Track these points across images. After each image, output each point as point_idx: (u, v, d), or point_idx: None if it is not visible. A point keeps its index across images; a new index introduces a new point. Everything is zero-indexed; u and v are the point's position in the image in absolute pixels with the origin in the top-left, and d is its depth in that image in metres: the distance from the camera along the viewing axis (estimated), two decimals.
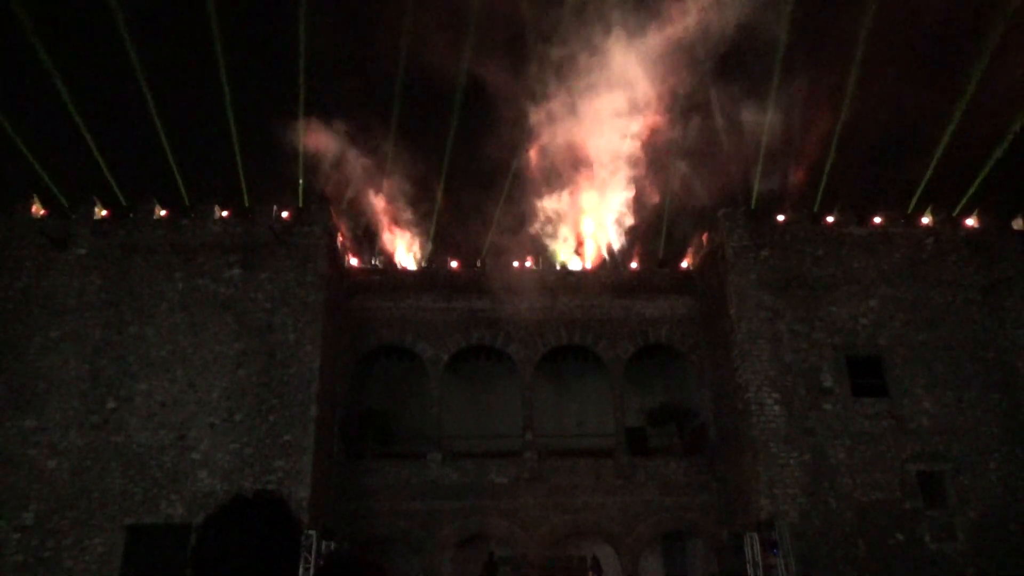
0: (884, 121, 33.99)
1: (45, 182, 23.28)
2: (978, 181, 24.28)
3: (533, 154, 29.67)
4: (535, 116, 29.46)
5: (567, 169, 29.60)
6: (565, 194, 29.38)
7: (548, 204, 28.84)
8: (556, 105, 29.47)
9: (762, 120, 28.28)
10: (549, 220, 28.33)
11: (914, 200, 23.81)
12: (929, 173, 25.50)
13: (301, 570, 14.66)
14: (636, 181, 29.24)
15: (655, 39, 27.96)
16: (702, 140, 30.90)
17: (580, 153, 29.76)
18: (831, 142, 28.26)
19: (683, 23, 27.71)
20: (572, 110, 29.47)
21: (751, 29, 28.42)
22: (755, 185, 27.85)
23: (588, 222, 28.53)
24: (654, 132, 29.51)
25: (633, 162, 29.08)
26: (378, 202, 29.11)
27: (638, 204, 29.27)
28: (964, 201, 23.27)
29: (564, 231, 28.17)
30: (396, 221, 28.41)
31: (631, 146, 29.19)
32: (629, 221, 28.01)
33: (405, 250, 26.92)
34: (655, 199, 30.04)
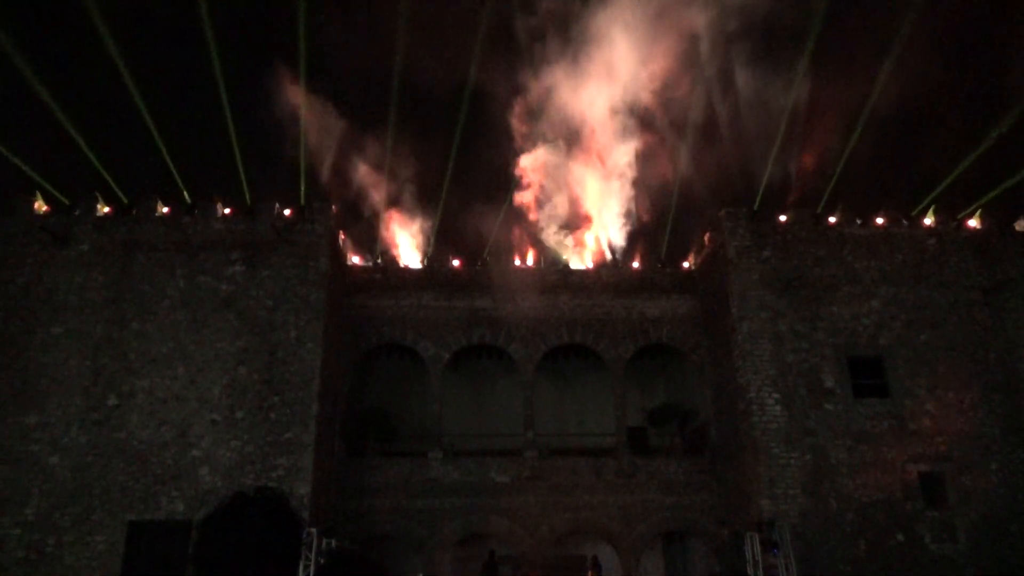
0: (892, 120, 33.99)
1: (47, 179, 23.31)
2: (1006, 185, 24.18)
3: (535, 146, 29.76)
4: (540, 107, 29.56)
5: (570, 164, 29.66)
6: (568, 191, 29.41)
7: (550, 198, 28.90)
8: (559, 96, 29.55)
9: (772, 109, 28.31)
10: (551, 216, 28.38)
11: (926, 201, 23.80)
12: (954, 175, 25.49)
13: (301, 568, 14.67)
14: (640, 178, 29.28)
15: (664, 22, 28.04)
16: (709, 134, 30.96)
17: (584, 147, 29.83)
18: (842, 140, 28.27)
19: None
20: (576, 99, 29.56)
21: (771, 16, 28.47)
22: (761, 182, 27.86)
23: (591, 220, 28.56)
24: (660, 126, 29.57)
25: (638, 158, 29.14)
26: (380, 200, 29.16)
27: (641, 202, 29.30)
28: (978, 204, 23.23)
29: (567, 228, 28.23)
30: (398, 219, 28.43)
31: (636, 142, 29.26)
32: (632, 219, 28.06)
33: (406, 248, 26.94)
34: (659, 198, 30.09)
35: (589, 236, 28.26)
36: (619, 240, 28.10)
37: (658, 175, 29.70)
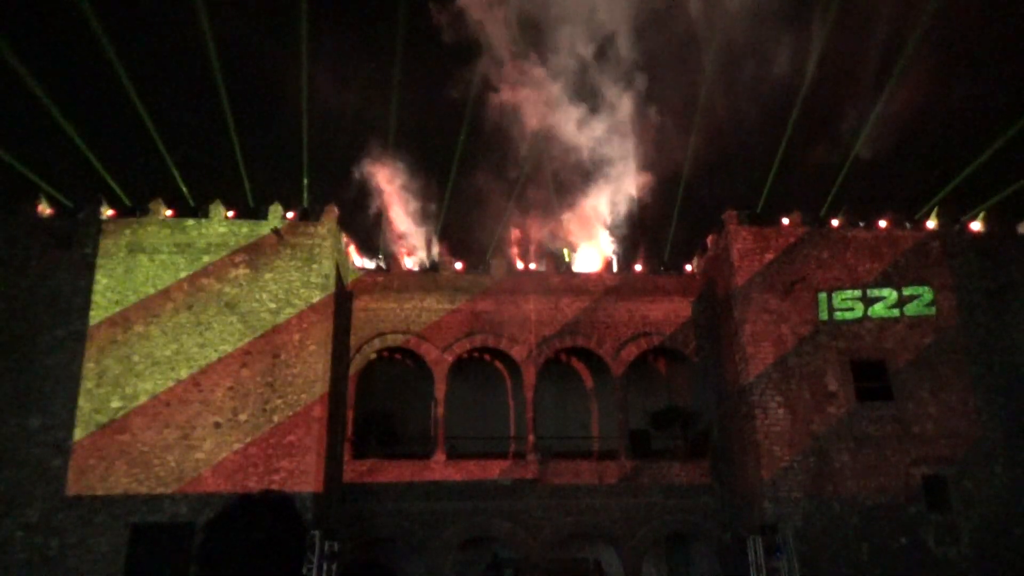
0: (896, 123, 33.99)
1: (51, 182, 23.38)
2: (1010, 188, 24.10)
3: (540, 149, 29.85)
4: (544, 105, 29.64)
5: (573, 164, 29.72)
6: (570, 194, 29.47)
7: (556, 201, 28.95)
8: (566, 94, 29.62)
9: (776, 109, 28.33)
10: (554, 218, 28.41)
11: (929, 204, 23.79)
12: (958, 178, 25.48)
13: (304, 570, 14.62)
14: (644, 181, 29.34)
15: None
16: (713, 136, 31.02)
17: (588, 145, 29.92)
18: (848, 143, 28.28)
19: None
20: (582, 95, 29.63)
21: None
22: (764, 184, 27.89)
23: (593, 223, 28.57)
24: (666, 127, 29.64)
25: (642, 161, 29.20)
26: (382, 202, 29.22)
27: (644, 205, 29.34)
28: (982, 207, 23.20)
29: (569, 230, 28.27)
30: (400, 221, 28.48)
31: (639, 144, 29.32)
32: (635, 222, 28.09)
33: (409, 251, 26.98)
34: (662, 200, 30.13)
35: (592, 239, 28.29)
36: (622, 243, 28.15)
37: (661, 177, 29.76)
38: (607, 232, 28.88)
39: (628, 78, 31.17)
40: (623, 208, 29.79)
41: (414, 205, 29.48)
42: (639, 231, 29.29)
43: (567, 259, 25.94)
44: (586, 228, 28.79)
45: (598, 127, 31.31)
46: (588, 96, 32.29)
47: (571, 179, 30.59)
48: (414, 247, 27.45)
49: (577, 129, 31.50)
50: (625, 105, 30.71)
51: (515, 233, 28.70)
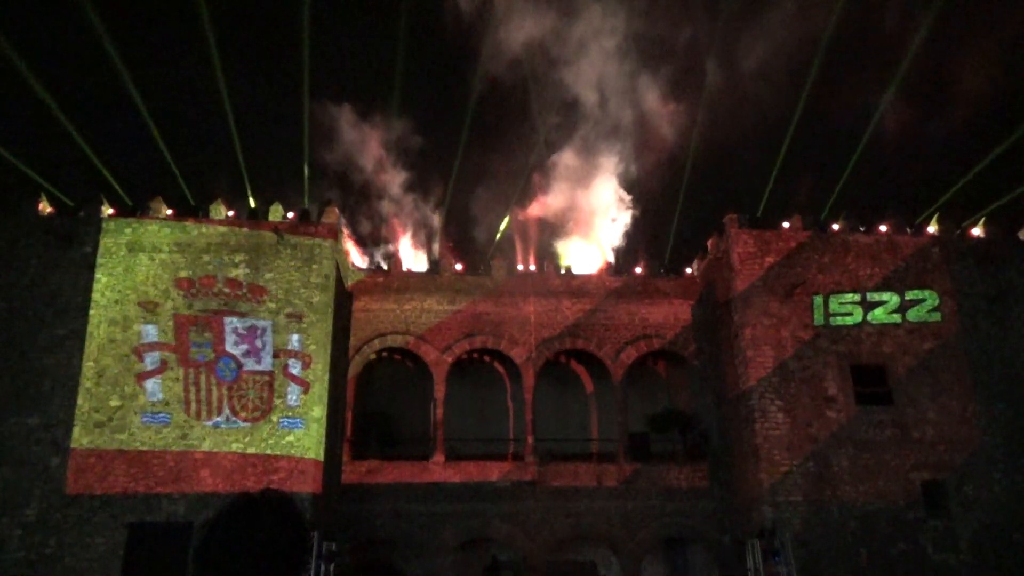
0: (897, 128, 34.01)
1: (52, 181, 23.37)
2: (1011, 194, 24.07)
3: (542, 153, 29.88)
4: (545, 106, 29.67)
5: (575, 168, 29.73)
6: (573, 195, 29.49)
7: (556, 203, 28.97)
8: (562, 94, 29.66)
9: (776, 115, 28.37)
10: (555, 219, 28.45)
11: (930, 209, 23.80)
12: (959, 184, 25.48)
13: (302, 571, 14.60)
14: (644, 182, 29.35)
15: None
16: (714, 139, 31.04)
17: (586, 151, 29.92)
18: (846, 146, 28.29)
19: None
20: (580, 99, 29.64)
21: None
22: (765, 188, 27.91)
23: (594, 224, 28.58)
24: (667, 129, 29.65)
25: (643, 162, 29.22)
26: (384, 203, 29.23)
27: (644, 206, 29.35)
28: (982, 212, 23.20)
29: (570, 231, 28.29)
30: (401, 222, 28.47)
31: (640, 145, 29.35)
32: (635, 224, 28.09)
33: (409, 251, 26.97)
34: (663, 202, 30.15)
35: (592, 240, 28.29)
36: (622, 245, 28.15)
37: (662, 177, 29.79)
38: (607, 231, 28.90)
39: (632, 75, 31.21)
40: (623, 210, 29.80)
41: (416, 205, 29.50)
42: (639, 232, 29.29)
43: (566, 261, 25.89)
44: (585, 227, 28.80)
45: (598, 128, 31.33)
46: (589, 100, 32.32)
47: (570, 180, 30.59)
48: (415, 247, 27.45)
49: (577, 128, 31.52)
50: (626, 104, 30.73)
51: (517, 235, 28.71)
